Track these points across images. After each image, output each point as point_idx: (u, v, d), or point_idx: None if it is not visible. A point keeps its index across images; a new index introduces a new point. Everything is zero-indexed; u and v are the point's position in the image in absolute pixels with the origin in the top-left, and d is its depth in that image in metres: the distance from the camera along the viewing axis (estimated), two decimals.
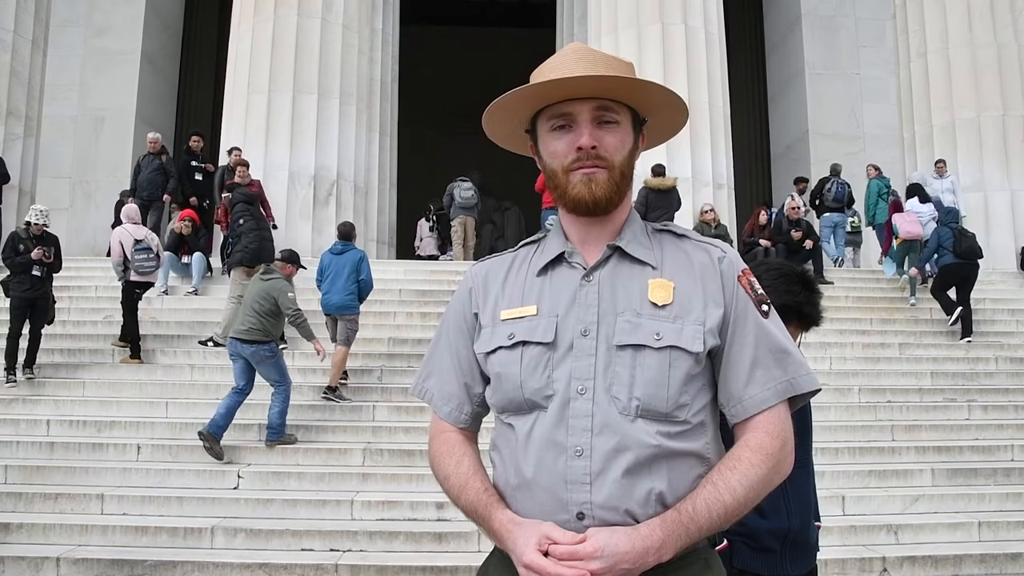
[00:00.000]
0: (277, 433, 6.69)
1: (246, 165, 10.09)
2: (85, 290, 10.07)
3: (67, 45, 15.20)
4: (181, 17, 17.73)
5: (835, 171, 12.88)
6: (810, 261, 11.39)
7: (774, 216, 11.90)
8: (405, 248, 15.29)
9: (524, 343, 1.35)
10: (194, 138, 11.79)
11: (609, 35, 12.14)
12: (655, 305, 1.33)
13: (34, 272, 7.90)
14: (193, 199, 11.40)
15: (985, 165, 12.32)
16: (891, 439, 7.31)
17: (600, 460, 1.27)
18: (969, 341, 9.42)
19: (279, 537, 5.44)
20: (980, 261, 9.80)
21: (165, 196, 11.22)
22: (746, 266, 1.42)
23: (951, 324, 9.58)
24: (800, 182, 13.13)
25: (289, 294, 6.93)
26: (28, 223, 8.24)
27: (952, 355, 9.16)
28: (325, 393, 7.45)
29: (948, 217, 10.25)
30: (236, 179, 9.92)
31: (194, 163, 11.56)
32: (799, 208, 11.69)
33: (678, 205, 10.57)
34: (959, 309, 9.47)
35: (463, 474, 1.39)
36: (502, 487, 1.37)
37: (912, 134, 13.29)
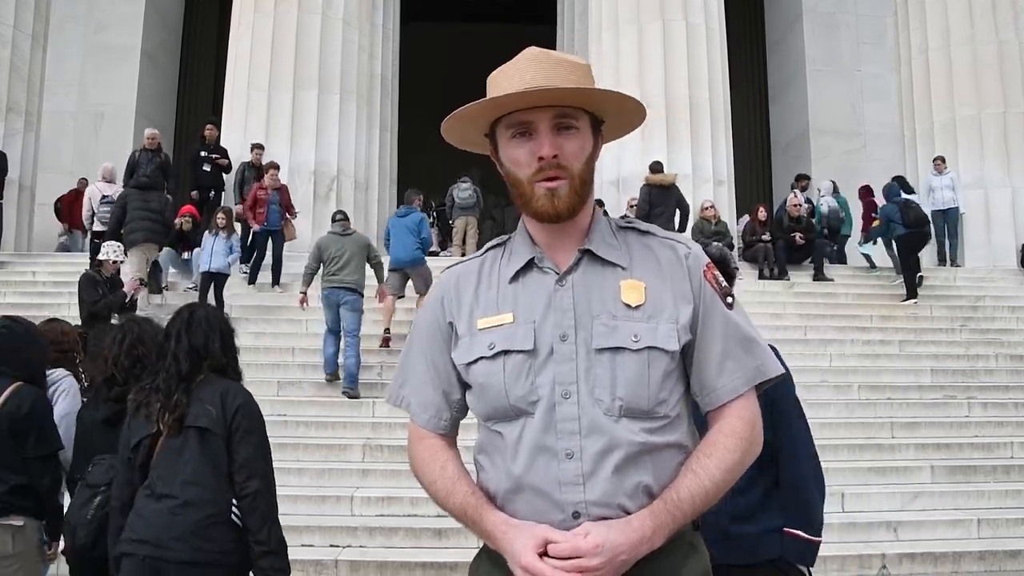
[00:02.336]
0: (355, 381, 7.55)
1: (276, 168, 10.11)
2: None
3: (67, 41, 15.17)
4: (181, 13, 17.72)
5: (800, 179, 13.03)
6: (810, 258, 11.43)
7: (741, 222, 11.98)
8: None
9: (505, 352, 1.38)
10: (208, 127, 11.60)
11: (610, 31, 12.12)
12: (628, 306, 1.37)
13: (114, 320, 6.91)
14: (195, 193, 11.37)
15: (986, 162, 12.30)
16: (891, 436, 7.31)
17: (591, 461, 1.32)
18: (915, 302, 10.13)
19: None
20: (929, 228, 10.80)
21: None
22: (709, 260, 1.46)
23: (903, 301, 10.22)
24: (802, 179, 13.13)
25: (373, 243, 8.43)
26: (100, 262, 7.51)
27: (952, 352, 9.17)
28: None
29: (892, 192, 10.95)
30: (266, 182, 9.91)
31: (203, 153, 11.47)
32: (800, 205, 11.71)
33: (685, 207, 10.56)
34: (914, 301, 10.18)
35: (449, 478, 1.42)
36: (492, 491, 1.40)
37: (913, 131, 13.27)
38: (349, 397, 7.54)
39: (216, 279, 9.06)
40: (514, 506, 1.36)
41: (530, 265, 1.43)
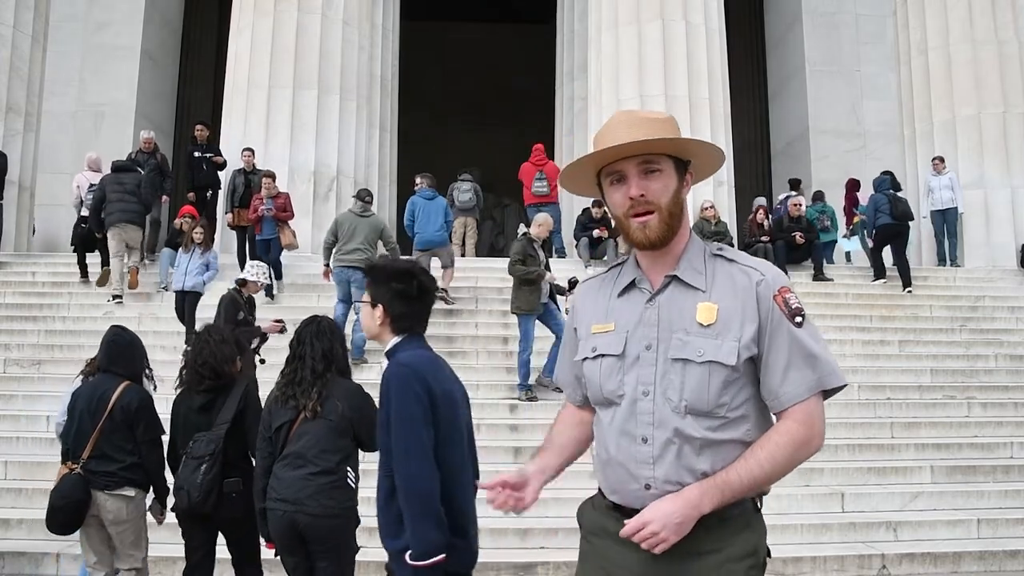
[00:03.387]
0: (361, 352, 8.05)
1: (272, 177, 9.88)
2: (84, 286, 10.08)
3: (67, 40, 15.16)
4: (181, 12, 17.71)
5: (795, 186, 13.08)
6: (810, 258, 11.43)
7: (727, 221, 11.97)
8: (404, 245, 15.26)
9: (602, 355, 1.76)
10: (199, 127, 11.58)
11: (609, 31, 12.11)
12: (701, 325, 1.67)
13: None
14: (191, 194, 11.34)
15: (985, 162, 12.30)
16: (891, 436, 7.32)
17: (659, 447, 1.67)
18: (910, 291, 10.58)
19: None
20: (911, 223, 11.35)
21: (164, 197, 11.15)
22: (784, 284, 1.71)
23: (873, 281, 10.98)
24: (795, 184, 13.19)
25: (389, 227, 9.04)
26: (244, 281, 7.12)
27: (952, 352, 9.17)
28: (440, 294, 8.92)
29: (882, 185, 11.31)
30: (263, 192, 9.74)
31: (198, 154, 11.44)
32: (800, 205, 11.76)
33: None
34: (883, 281, 10.94)
35: (550, 432, 2.00)
36: (597, 459, 1.80)
37: (912, 131, 13.27)
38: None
39: (188, 298, 8.57)
40: (606, 473, 1.76)
41: (632, 285, 1.79)
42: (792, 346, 1.66)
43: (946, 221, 12.02)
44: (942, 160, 12.11)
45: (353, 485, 3.41)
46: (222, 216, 11.03)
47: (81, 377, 4.56)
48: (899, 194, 11.30)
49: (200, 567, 3.84)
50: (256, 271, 7.46)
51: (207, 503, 3.62)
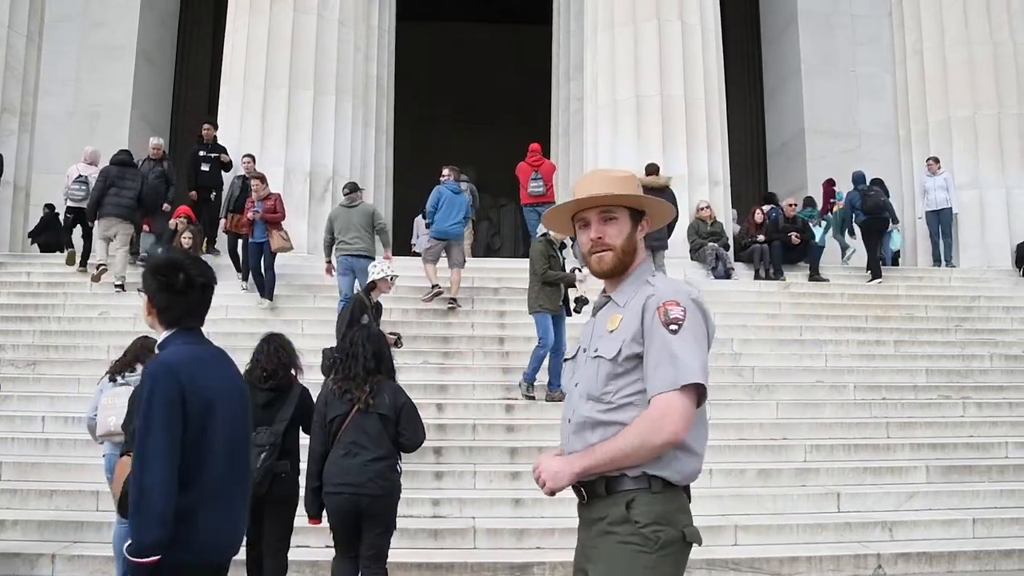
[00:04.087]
0: None
1: (261, 179, 9.75)
2: (80, 286, 10.05)
3: (62, 40, 15.11)
4: (177, 12, 17.67)
5: (769, 200, 13.23)
6: (806, 259, 11.45)
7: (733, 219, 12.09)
8: (401, 245, 15.25)
9: (566, 359, 2.36)
10: (205, 126, 11.50)
11: (605, 32, 12.11)
12: (608, 331, 2.12)
13: None
14: (192, 193, 11.31)
15: (981, 163, 12.33)
16: (886, 436, 7.33)
17: (572, 425, 2.15)
18: (880, 282, 10.92)
19: None
20: (887, 215, 11.61)
21: (165, 205, 11.03)
22: (671, 299, 2.06)
23: (869, 281, 11.01)
24: (770, 199, 13.28)
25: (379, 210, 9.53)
26: (373, 284, 6.99)
27: (947, 352, 9.19)
28: (450, 303, 9.35)
29: (858, 182, 11.61)
30: (252, 195, 9.62)
31: (202, 153, 11.36)
32: (796, 206, 11.79)
33: (676, 214, 10.52)
34: (878, 281, 10.98)
35: None
36: None
37: (908, 131, 13.30)
38: None
39: None
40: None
41: (595, 308, 2.27)
42: (662, 348, 2.02)
43: (941, 222, 12.05)
44: (937, 161, 12.14)
45: (401, 468, 4.15)
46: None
47: (108, 376, 5.28)
48: (870, 189, 11.48)
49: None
50: (382, 267, 7.14)
51: (263, 486, 4.13)
